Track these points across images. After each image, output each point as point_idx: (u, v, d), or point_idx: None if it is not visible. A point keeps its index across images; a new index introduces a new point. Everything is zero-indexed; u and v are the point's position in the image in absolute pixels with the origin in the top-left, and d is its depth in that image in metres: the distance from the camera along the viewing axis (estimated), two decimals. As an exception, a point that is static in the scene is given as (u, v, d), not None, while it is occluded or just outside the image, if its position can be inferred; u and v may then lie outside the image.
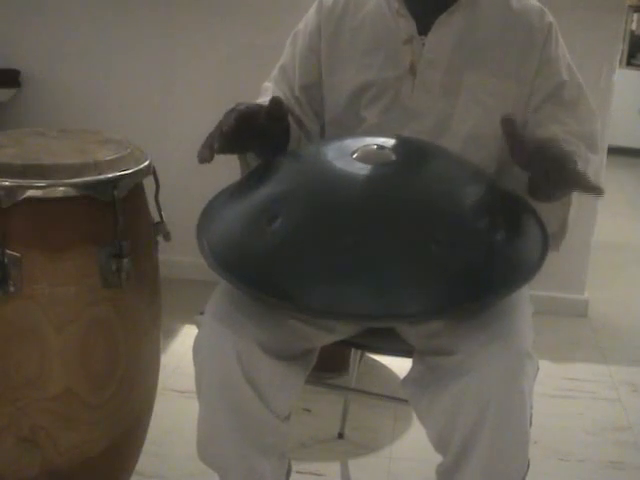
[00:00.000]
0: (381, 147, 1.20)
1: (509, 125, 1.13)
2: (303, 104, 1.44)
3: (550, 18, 1.37)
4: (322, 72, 1.43)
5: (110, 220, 1.36)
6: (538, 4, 1.39)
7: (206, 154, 1.16)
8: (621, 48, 2.66)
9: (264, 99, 1.38)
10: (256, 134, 1.24)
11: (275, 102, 1.23)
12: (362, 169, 1.15)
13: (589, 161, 1.29)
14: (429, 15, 1.35)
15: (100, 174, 1.35)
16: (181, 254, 2.24)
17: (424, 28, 1.36)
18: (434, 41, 1.35)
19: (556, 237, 1.31)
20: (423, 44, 1.35)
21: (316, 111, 1.45)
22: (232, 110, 1.21)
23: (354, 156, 1.18)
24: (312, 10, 1.46)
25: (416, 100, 1.36)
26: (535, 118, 1.34)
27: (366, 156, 1.18)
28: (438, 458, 1.23)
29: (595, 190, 1.10)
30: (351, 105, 1.40)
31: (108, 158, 1.38)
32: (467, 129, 1.35)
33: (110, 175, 1.36)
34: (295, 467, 1.50)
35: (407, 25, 1.36)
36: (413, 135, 1.34)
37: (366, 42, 1.39)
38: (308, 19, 1.46)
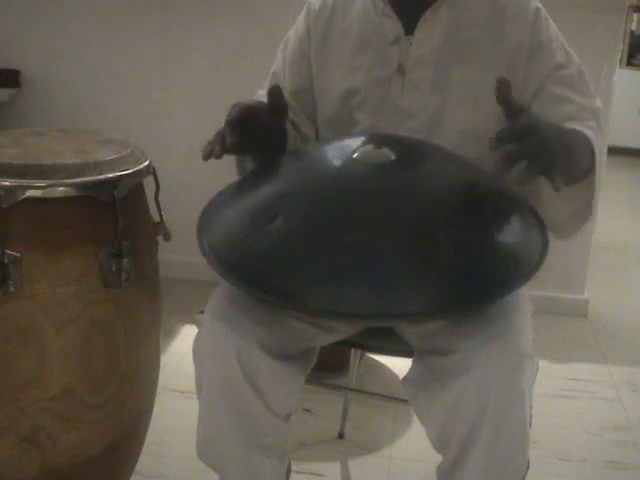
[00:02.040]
0: (380, 147, 1.20)
1: (504, 88, 1.09)
2: (296, 109, 1.44)
3: (536, 3, 1.36)
4: (312, 75, 1.43)
5: (110, 220, 1.36)
6: None
7: (217, 150, 1.16)
8: (621, 48, 2.66)
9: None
10: (258, 130, 1.25)
11: (275, 91, 1.24)
12: (362, 168, 1.16)
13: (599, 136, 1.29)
14: (414, 13, 1.34)
15: (100, 174, 1.35)
16: (181, 254, 2.24)
17: (410, 27, 1.35)
18: (421, 39, 1.35)
19: (577, 219, 1.31)
20: (410, 43, 1.35)
21: (309, 115, 1.45)
22: (233, 106, 1.22)
23: (354, 155, 1.18)
24: (301, 16, 1.46)
25: (407, 99, 1.36)
26: (540, 101, 1.32)
27: (366, 155, 1.18)
28: (438, 458, 1.23)
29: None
30: (343, 107, 1.40)
31: (108, 158, 1.38)
32: (461, 124, 1.34)
33: (110, 175, 1.36)
34: (295, 467, 1.50)
35: (393, 25, 1.36)
36: (407, 133, 1.34)
37: (354, 44, 1.39)
38: (297, 24, 1.46)
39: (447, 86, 1.34)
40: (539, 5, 1.36)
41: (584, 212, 1.30)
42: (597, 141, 1.26)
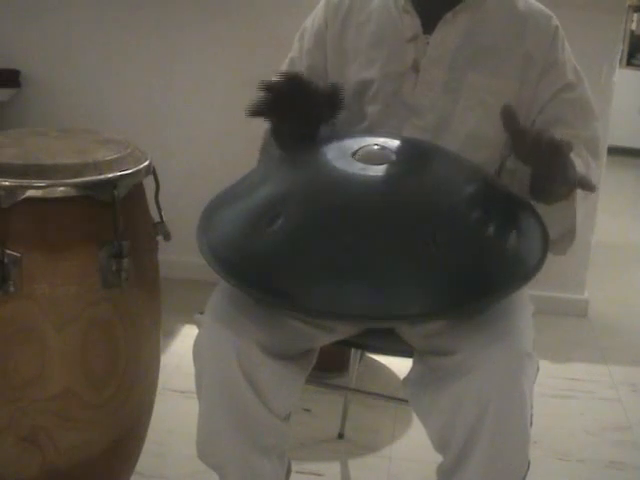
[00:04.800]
0: (381, 147, 1.20)
1: (509, 115, 1.13)
2: None
3: (556, 22, 1.38)
4: (328, 67, 1.44)
5: (110, 220, 1.36)
6: (544, 8, 1.39)
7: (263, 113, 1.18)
8: (621, 48, 2.66)
9: None
10: (305, 108, 1.24)
11: (336, 89, 1.24)
12: (362, 169, 1.15)
13: (589, 165, 1.30)
14: (435, 13, 1.35)
15: (100, 174, 1.35)
16: (181, 254, 2.24)
17: (429, 26, 1.36)
18: (438, 40, 1.36)
19: (562, 242, 1.30)
20: (427, 43, 1.36)
21: None
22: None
23: (355, 156, 1.18)
24: (320, 6, 1.47)
25: (418, 97, 1.37)
26: (542, 119, 1.34)
27: (366, 156, 1.18)
28: (438, 458, 1.23)
29: (588, 186, 1.14)
30: (355, 100, 1.40)
31: (108, 158, 1.38)
32: (468, 128, 1.35)
33: (110, 175, 1.36)
34: (295, 467, 1.50)
35: (412, 23, 1.37)
36: (414, 131, 1.34)
37: (371, 38, 1.40)
38: (315, 15, 1.47)
39: (459, 89, 1.35)
40: (558, 24, 1.37)
41: (569, 234, 1.31)
42: (583, 169, 1.26)
